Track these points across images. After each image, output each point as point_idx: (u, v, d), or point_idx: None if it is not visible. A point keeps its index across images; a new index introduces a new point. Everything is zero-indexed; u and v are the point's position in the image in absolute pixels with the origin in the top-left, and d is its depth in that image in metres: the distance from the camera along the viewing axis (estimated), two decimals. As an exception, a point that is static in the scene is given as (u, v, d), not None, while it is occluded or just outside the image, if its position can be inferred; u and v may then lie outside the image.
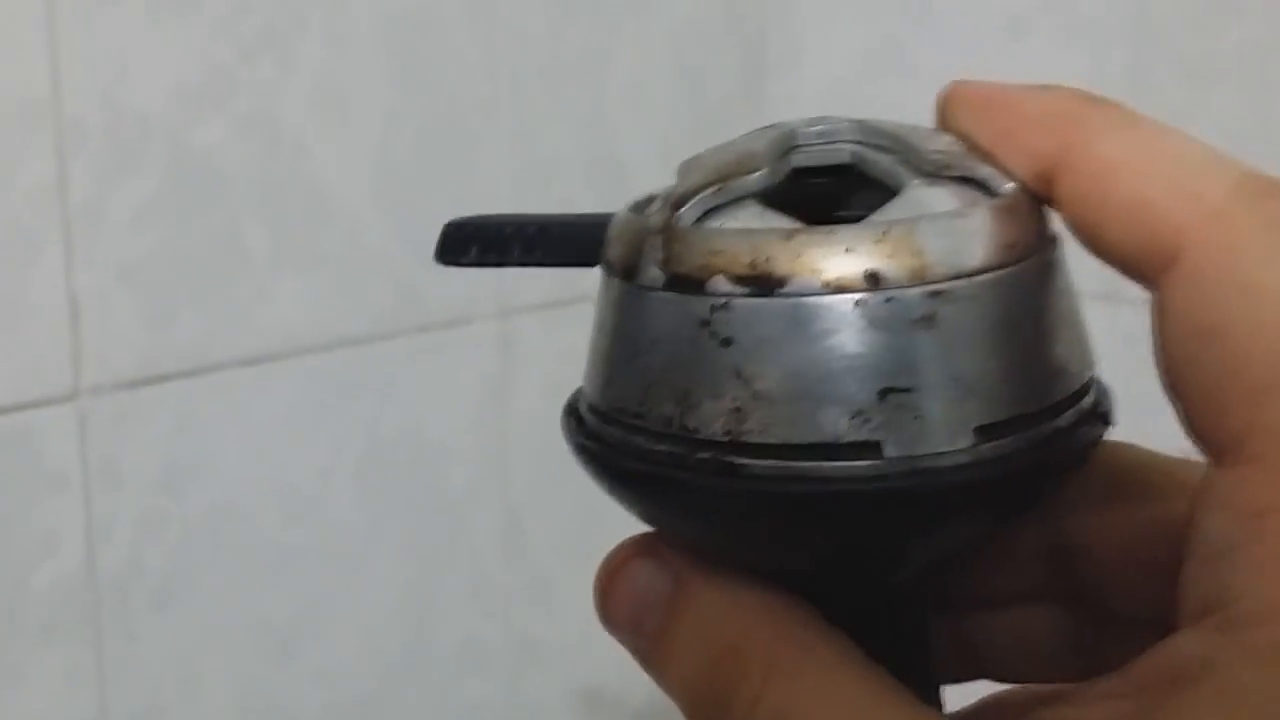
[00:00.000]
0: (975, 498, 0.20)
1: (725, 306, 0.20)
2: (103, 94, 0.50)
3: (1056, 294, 0.21)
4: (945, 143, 0.21)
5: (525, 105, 0.66)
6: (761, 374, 0.19)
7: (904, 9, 0.79)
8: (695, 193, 0.21)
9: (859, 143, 0.22)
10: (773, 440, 0.19)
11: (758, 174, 0.21)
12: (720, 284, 0.20)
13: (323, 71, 0.57)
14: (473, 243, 0.23)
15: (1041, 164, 0.20)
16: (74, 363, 0.50)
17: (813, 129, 0.22)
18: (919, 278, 0.19)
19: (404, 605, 0.64)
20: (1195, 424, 0.19)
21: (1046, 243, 0.21)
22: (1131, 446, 0.23)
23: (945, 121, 0.22)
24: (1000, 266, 0.20)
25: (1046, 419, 0.20)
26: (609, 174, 0.71)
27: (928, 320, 0.19)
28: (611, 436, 0.21)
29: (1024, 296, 0.20)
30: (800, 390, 0.19)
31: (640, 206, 0.23)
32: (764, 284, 0.19)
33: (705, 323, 0.20)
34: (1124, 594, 0.23)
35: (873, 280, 0.19)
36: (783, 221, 0.20)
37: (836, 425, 0.19)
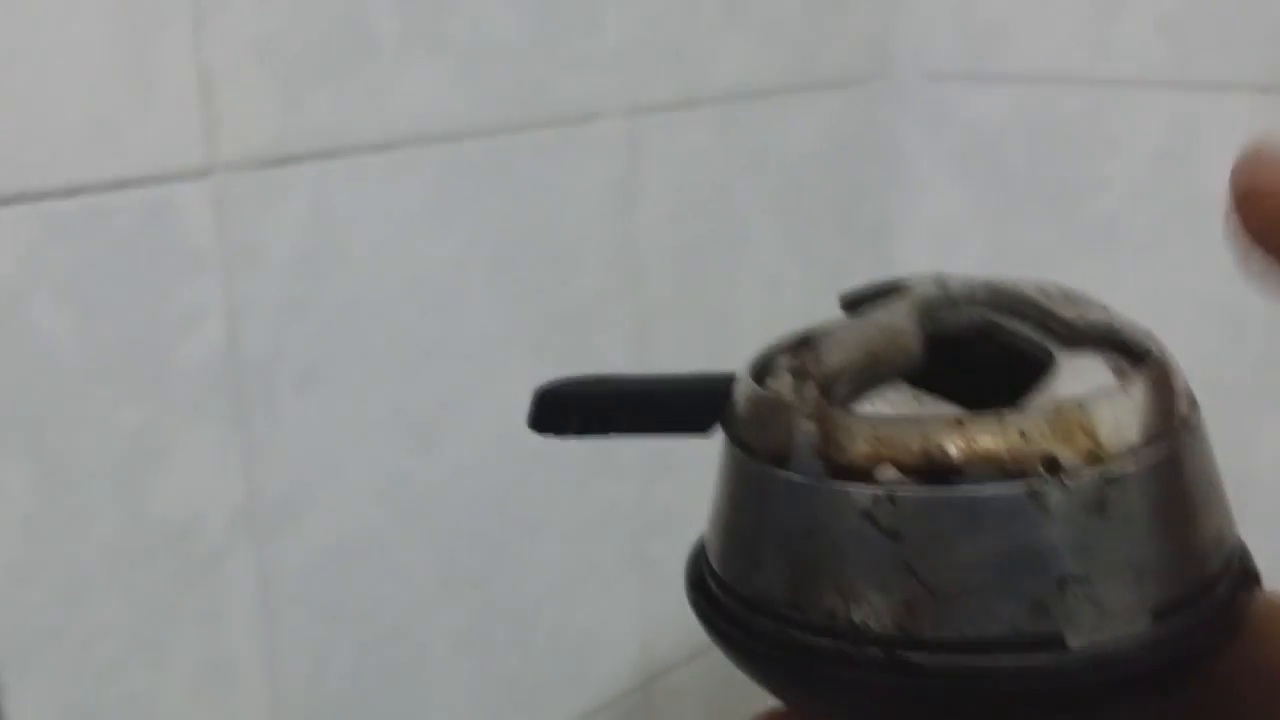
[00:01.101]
0: (1155, 679, 0.20)
1: (892, 498, 0.19)
2: None
3: (1206, 458, 0.20)
4: (1079, 304, 0.21)
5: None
6: (935, 568, 0.19)
7: None
8: (842, 373, 0.20)
9: (993, 306, 0.21)
10: (949, 636, 0.19)
11: (904, 352, 0.20)
12: (888, 473, 0.19)
13: None
14: (572, 413, 0.23)
15: None
16: (209, 138, 0.50)
17: (945, 294, 0.21)
18: (1094, 460, 0.19)
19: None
20: None
21: (1191, 408, 0.20)
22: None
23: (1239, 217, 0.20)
24: (1159, 438, 0.19)
25: (1211, 590, 0.20)
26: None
27: (1101, 505, 0.19)
28: (761, 626, 0.20)
29: (1182, 467, 0.20)
30: (976, 584, 0.18)
31: (761, 372, 0.22)
32: (935, 474, 0.19)
33: (869, 514, 0.19)
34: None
35: (1050, 467, 0.19)
36: (942, 406, 0.20)
37: (1015, 618, 0.18)
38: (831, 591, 0.19)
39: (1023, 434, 0.19)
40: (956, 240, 0.81)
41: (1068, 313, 0.21)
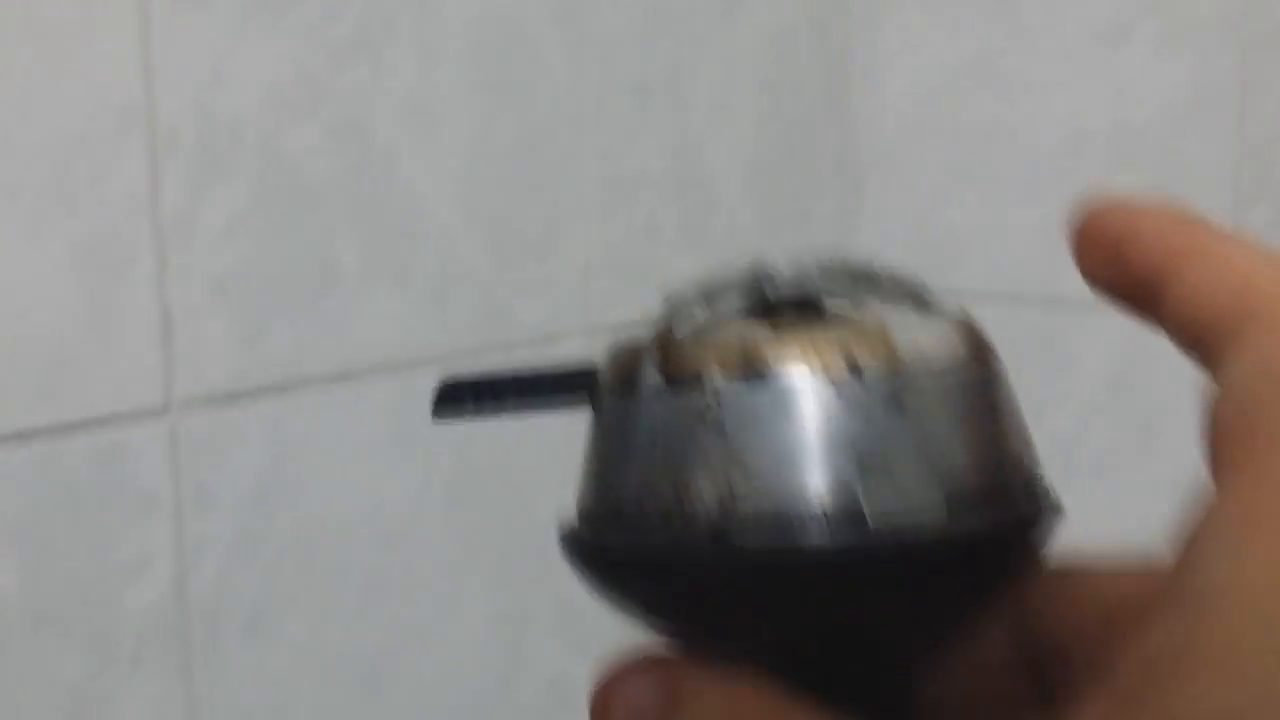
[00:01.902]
0: (950, 562, 0.22)
1: (718, 396, 0.21)
2: (195, 100, 0.49)
3: (1005, 398, 0.23)
4: (907, 281, 0.24)
5: (612, 121, 0.65)
6: (752, 451, 0.21)
7: (994, 19, 0.77)
8: (681, 309, 0.23)
9: (826, 277, 0.24)
10: (764, 511, 0.21)
11: (736, 297, 0.23)
12: (715, 377, 0.22)
13: (412, 81, 0.56)
14: (467, 396, 0.25)
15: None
16: (166, 375, 0.49)
17: (784, 268, 0.24)
18: (893, 366, 0.22)
19: (493, 637, 0.61)
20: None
21: (992, 356, 0.24)
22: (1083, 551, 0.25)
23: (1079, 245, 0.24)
24: (957, 363, 0.23)
25: (1009, 497, 0.22)
26: (694, 188, 0.69)
27: (897, 401, 0.22)
28: (607, 537, 0.23)
29: (977, 393, 0.23)
30: (787, 464, 0.21)
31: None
32: (755, 374, 0.21)
33: (698, 413, 0.22)
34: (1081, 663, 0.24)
35: (853, 370, 0.21)
36: (768, 327, 0.23)
37: (821, 494, 0.21)
38: (669, 489, 0.22)
39: (830, 342, 0.22)
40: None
41: (893, 284, 0.24)
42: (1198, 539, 0.19)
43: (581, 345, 0.64)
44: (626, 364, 0.23)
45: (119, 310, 0.47)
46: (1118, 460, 0.73)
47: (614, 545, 0.23)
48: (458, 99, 0.58)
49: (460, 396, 0.25)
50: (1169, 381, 0.72)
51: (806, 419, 0.21)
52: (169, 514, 0.49)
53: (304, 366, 0.53)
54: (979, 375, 0.23)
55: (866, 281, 0.24)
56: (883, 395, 0.21)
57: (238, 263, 0.50)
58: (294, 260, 0.52)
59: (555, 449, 0.63)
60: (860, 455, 0.21)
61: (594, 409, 0.24)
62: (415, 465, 0.57)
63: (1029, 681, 0.24)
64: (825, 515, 0.21)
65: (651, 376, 0.22)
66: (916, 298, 0.24)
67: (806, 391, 0.21)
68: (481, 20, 0.58)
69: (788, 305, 0.24)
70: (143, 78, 0.47)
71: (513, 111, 0.60)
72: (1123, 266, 0.22)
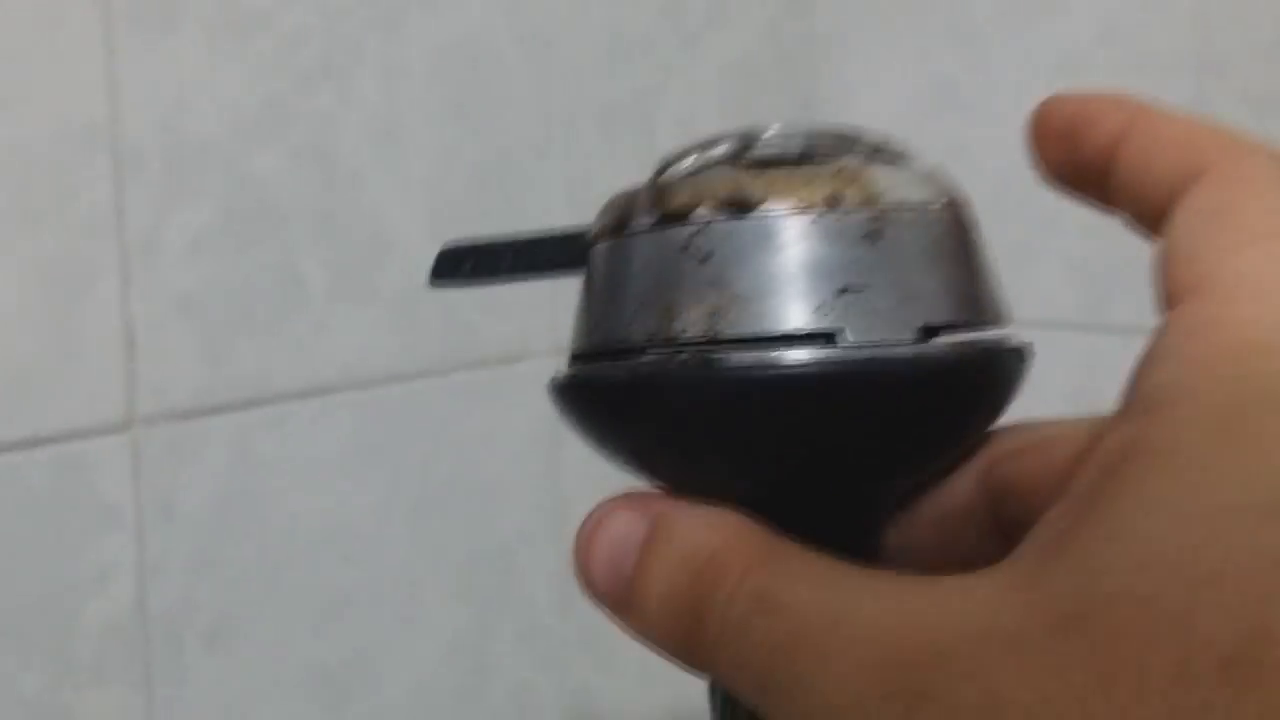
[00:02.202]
0: (921, 385, 0.23)
1: (706, 228, 0.23)
2: (161, 120, 0.49)
3: (975, 241, 0.25)
4: (888, 142, 0.25)
5: (577, 144, 0.66)
6: (737, 278, 0.22)
7: (956, 48, 0.78)
8: (674, 162, 0.24)
9: (811, 137, 0.25)
10: (747, 333, 0.22)
11: (725, 149, 0.24)
12: (702, 212, 0.23)
13: (378, 105, 0.57)
14: (465, 261, 0.26)
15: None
16: (129, 392, 0.49)
17: (770, 130, 0.25)
18: (870, 202, 0.23)
19: (457, 652, 0.62)
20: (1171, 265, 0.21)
21: (965, 203, 0.25)
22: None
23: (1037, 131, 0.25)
24: (930, 204, 0.24)
25: (978, 331, 0.24)
26: (663, 212, 0.70)
27: (875, 234, 0.23)
28: (594, 369, 0.24)
29: (950, 234, 0.24)
30: (770, 289, 0.22)
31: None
32: (740, 207, 0.23)
33: (686, 246, 0.23)
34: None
35: (831, 202, 0.23)
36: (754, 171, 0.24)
37: (802, 316, 0.22)
38: (654, 317, 0.23)
39: (811, 180, 0.23)
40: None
41: (875, 140, 0.25)
42: (1147, 359, 0.20)
43: (548, 365, 0.65)
44: (619, 211, 0.24)
45: (82, 326, 0.48)
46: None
47: (602, 375, 0.23)
48: (423, 122, 0.59)
49: (459, 262, 0.26)
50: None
51: (787, 248, 0.22)
52: (130, 528, 0.50)
53: (268, 384, 0.54)
54: (952, 217, 0.24)
55: (851, 141, 0.24)
56: (861, 228, 0.22)
57: (202, 281, 0.51)
58: (259, 279, 0.53)
59: (521, 465, 0.64)
60: (838, 282, 0.22)
61: (591, 252, 0.25)
62: (379, 481, 0.58)
63: (997, 544, 0.25)
64: (804, 336, 0.22)
65: (642, 217, 0.23)
66: (897, 155, 0.25)
67: (788, 223, 0.22)
68: (447, 45, 0.59)
69: (774, 157, 0.24)
70: (108, 98, 0.48)
71: (478, 135, 0.61)
72: (1075, 151, 0.23)
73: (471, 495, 0.62)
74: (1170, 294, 0.20)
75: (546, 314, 0.65)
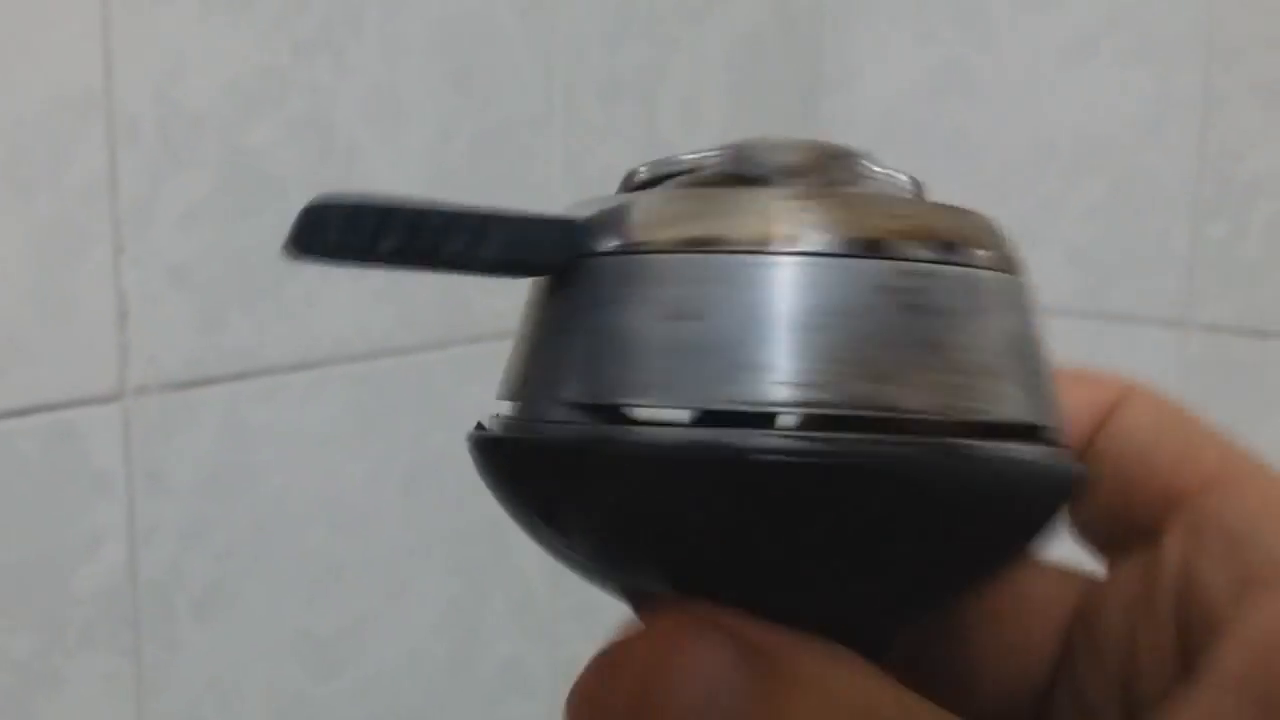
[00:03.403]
0: (1072, 495, 0.19)
1: (916, 273, 0.17)
2: (155, 89, 0.49)
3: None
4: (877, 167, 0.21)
5: (579, 119, 0.66)
6: (961, 346, 0.18)
7: (964, 31, 0.78)
8: (812, 167, 0.19)
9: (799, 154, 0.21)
10: (983, 419, 0.18)
11: (849, 160, 0.20)
12: (910, 249, 0.18)
13: (377, 76, 0.57)
14: (386, 232, 0.18)
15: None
16: (120, 362, 0.49)
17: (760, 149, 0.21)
18: (1023, 270, 0.19)
19: (447, 623, 0.62)
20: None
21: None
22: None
23: None
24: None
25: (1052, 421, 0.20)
26: (663, 189, 0.70)
27: (1034, 308, 0.19)
28: (794, 444, 0.17)
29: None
30: (989, 366, 0.18)
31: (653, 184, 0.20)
32: (947, 252, 0.18)
33: (895, 290, 0.17)
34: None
35: (1008, 263, 0.19)
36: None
37: (1021, 405, 0.18)
38: (872, 379, 0.17)
39: (993, 231, 0.19)
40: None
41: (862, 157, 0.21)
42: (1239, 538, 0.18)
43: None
44: (743, 211, 0.18)
45: (75, 295, 0.48)
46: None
47: (785, 450, 0.17)
48: (422, 94, 0.58)
49: (374, 231, 0.17)
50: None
51: (996, 312, 0.18)
52: (121, 497, 0.50)
53: (261, 355, 0.54)
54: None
55: (843, 162, 0.20)
56: (1029, 301, 0.19)
57: (196, 251, 0.51)
58: (253, 250, 0.53)
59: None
60: (1031, 365, 0.18)
61: (598, 271, 0.18)
62: (371, 454, 0.58)
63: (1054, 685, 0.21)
64: (1024, 428, 0.18)
65: (816, 234, 0.17)
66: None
67: (990, 279, 0.18)
68: (448, 16, 0.59)
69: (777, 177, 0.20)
70: (103, 66, 0.48)
71: (478, 108, 0.61)
72: (1126, 517, 0.20)
73: (464, 469, 0.62)
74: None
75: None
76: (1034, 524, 0.19)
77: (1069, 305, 0.75)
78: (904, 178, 0.20)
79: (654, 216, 0.18)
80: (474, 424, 0.20)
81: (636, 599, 0.19)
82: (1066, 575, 0.21)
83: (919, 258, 0.17)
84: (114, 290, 0.49)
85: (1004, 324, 0.18)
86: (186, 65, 0.50)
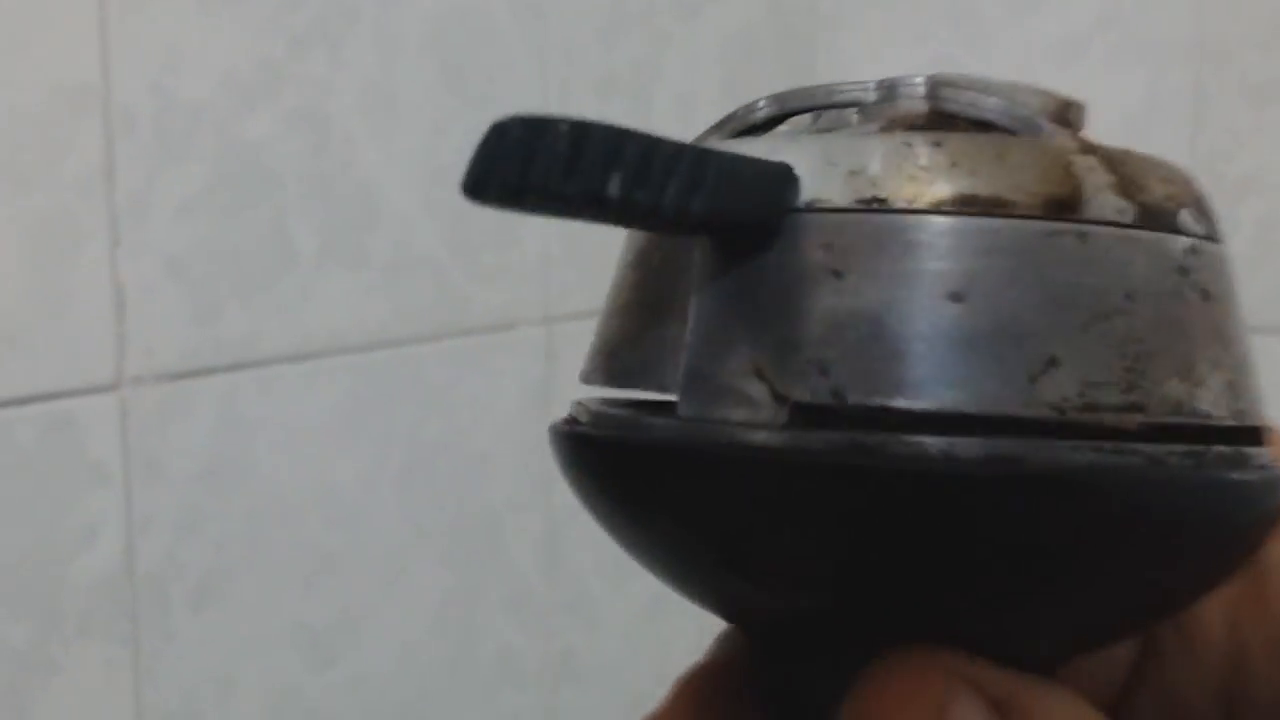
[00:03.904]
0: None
1: (1195, 250, 0.15)
2: (152, 82, 0.50)
3: None
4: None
5: (574, 114, 0.66)
6: (1235, 337, 0.15)
7: (956, 29, 0.78)
8: (1065, 108, 0.16)
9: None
10: (1251, 423, 0.16)
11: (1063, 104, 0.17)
12: (1189, 221, 0.15)
13: (373, 70, 0.57)
14: (610, 165, 0.14)
15: None
16: (118, 352, 0.50)
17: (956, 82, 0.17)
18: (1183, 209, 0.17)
19: (443, 615, 0.63)
20: None
21: None
22: None
23: None
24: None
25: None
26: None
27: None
28: (1080, 456, 0.14)
29: None
30: (1242, 357, 0.16)
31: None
32: (1211, 226, 0.16)
33: (1186, 270, 0.15)
34: None
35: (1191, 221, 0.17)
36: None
37: (1260, 404, 0.16)
38: (1172, 376, 0.14)
39: (1177, 176, 0.16)
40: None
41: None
42: None
43: (538, 334, 0.66)
44: (1053, 169, 0.15)
45: (71, 286, 0.48)
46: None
47: (1072, 465, 0.14)
48: (417, 89, 0.59)
49: (573, 157, 0.13)
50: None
51: (1231, 299, 0.16)
52: (118, 486, 0.50)
53: (257, 346, 0.54)
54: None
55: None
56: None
57: (192, 243, 0.51)
58: (249, 242, 0.53)
59: (509, 433, 0.64)
60: (1246, 358, 0.16)
61: (827, 229, 0.15)
62: (367, 446, 0.59)
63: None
64: (1259, 429, 0.16)
65: (1111, 202, 0.15)
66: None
67: (1216, 250, 0.16)
68: (443, 11, 0.60)
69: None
70: (99, 59, 0.48)
71: (473, 103, 0.61)
72: None
73: (459, 462, 0.63)
74: None
75: (538, 282, 0.65)
76: (1259, 537, 0.16)
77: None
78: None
79: (901, 166, 0.15)
80: (567, 413, 0.17)
81: (750, 613, 0.16)
82: None
83: (1199, 234, 0.15)
84: (111, 282, 0.49)
85: (1237, 308, 0.16)
86: (183, 58, 0.50)
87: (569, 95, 0.66)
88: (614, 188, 0.13)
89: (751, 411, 0.15)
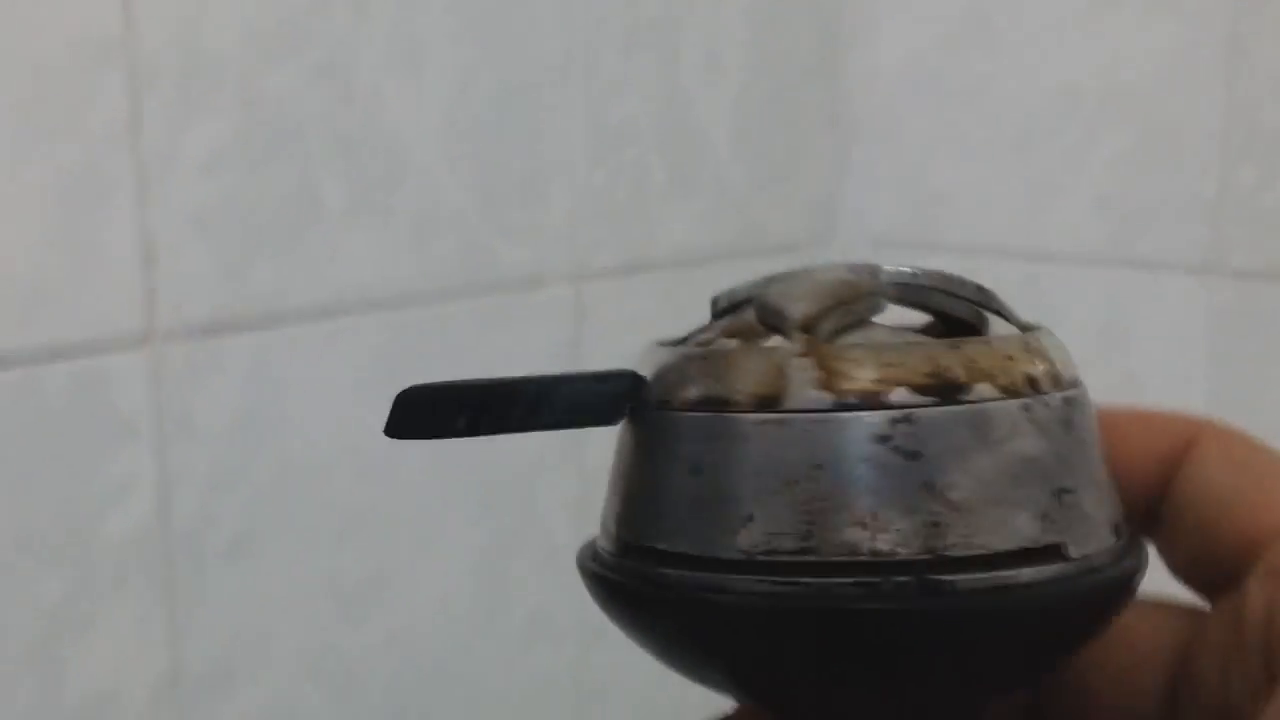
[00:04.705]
0: (1120, 592, 0.20)
1: (909, 418, 0.19)
2: (176, 35, 0.49)
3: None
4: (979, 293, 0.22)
5: (598, 70, 0.65)
6: (955, 485, 0.19)
7: (987, -23, 0.77)
8: (816, 316, 0.20)
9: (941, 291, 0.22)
10: (978, 552, 0.19)
11: (871, 299, 0.21)
12: (902, 395, 0.19)
13: (398, 23, 0.57)
14: (453, 410, 0.21)
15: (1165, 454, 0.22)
16: (147, 307, 0.49)
17: (897, 272, 0.22)
18: (1057, 383, 0.20)
19: (475, 573, 0.62)
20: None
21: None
22: None
23: None
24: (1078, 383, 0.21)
25: (1126, 524, 0.21)
26: (682, 139, 0.70)
27: (1068, 422, 0.20)
28: (758, 586, 0.19)
29: (1088, 411, 0.21)
30: (993, 498, 0.19)
31: (691, 343, 0.22)
32: (945, 392, 0.19)
33: (886, 438, 0.19)
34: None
35: (1031, 385, 0.20)
36: (921, 337, 0.21)
37: (1028, 530, 0.19)
38: (851, 525, 0.18)
39: (1009, 356, 0.20)
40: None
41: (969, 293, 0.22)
42: None
43: (568, 291, 0.65)
44: (763, 372, 0.19)
45: (99, 240, 0.48)
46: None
47: (746, 593, 0.19)
48: (443, 42, 0.58)
49: (449, 411, 0.21)
50: (1155, 332, 0.72)
51: (1004, 444, 0.19)
52: (150, 442, 0.50)
53: (285, 302, 0.54)
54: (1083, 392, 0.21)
55: (959, 284, 0.22)
56: (1059, 414, 0.20)
57: (219, 197, 0.51)
58: (276, 196, 0.53)
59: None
60: (1055, 482, 0.19)
61: (673, 412, 0.20)
62: (396, 404, 0.58)
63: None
64: (1032, 551, 0.19)
65: (811, 393, 0.19)
66: (996, 310, 0.22)
67: (1002, 412, 0.19)
68: (467, -35, 0.59)
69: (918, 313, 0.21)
70: (123, 10, 0.48)
71: (498, 57, 0.61)
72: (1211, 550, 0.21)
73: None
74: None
75: (566, 241, 0.65)
76: (1046, 641, 0.20)
77: (1096, 253, 0.74)
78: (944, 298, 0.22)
79: (675, 376, 0.20)
80: (590, 548, 0.22)
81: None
82: (1174, 613, 0.22)
83: (913, 404, 0.19)
84: (139, 236, 0.49)
85: (1017, 451, 0.19)
86: (207, 10, 0.50)
87: (594, 50, 0.65)
88: (461, 425, 0.21)
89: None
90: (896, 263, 0.22)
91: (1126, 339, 0.73)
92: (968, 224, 0.78)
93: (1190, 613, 0.22)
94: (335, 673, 0.57)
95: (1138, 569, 0.20)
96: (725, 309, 0.22)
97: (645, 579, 0.20)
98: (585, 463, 0.66)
